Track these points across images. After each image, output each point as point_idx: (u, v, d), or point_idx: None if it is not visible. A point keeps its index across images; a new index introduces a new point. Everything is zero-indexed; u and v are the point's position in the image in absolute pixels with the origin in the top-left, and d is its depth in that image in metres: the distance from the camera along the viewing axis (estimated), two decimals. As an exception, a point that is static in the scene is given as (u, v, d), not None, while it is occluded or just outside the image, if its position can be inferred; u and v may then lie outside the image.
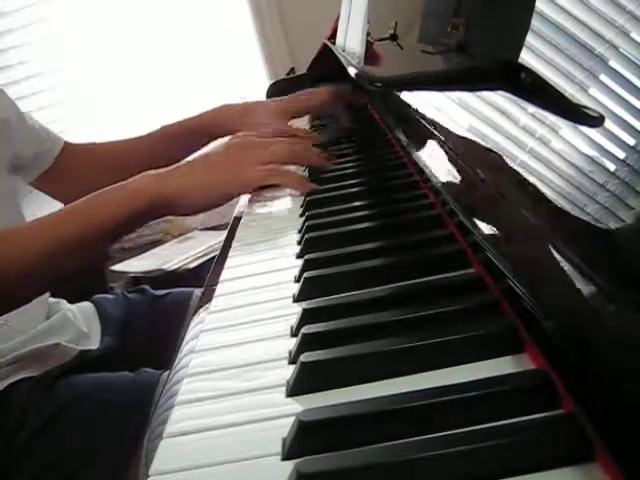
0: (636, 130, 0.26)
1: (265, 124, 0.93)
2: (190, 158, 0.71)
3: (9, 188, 0.87)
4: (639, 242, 0.24)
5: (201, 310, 0.48)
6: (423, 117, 0.54)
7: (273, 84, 1.51)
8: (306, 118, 1.32)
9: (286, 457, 0.29)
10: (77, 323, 0.88)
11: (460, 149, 0.44)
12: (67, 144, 1.00)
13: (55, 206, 1.01)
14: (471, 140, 0.44)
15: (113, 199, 0.64)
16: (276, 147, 0.71)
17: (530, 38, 0.35)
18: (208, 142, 1.00)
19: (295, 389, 0.34)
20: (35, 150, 0.94)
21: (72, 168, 0.98)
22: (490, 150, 0.40)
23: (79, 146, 1.02)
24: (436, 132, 0.51)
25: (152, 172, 0.67)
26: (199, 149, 1.00)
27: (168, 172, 0.67)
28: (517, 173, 0.34)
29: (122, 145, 1.02)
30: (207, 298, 0.50)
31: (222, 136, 0.98)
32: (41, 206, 1.02)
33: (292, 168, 0.77)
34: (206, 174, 0.67)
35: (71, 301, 0.94)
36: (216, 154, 0.70)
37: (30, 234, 0.62)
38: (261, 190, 0.79)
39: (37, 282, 0.63)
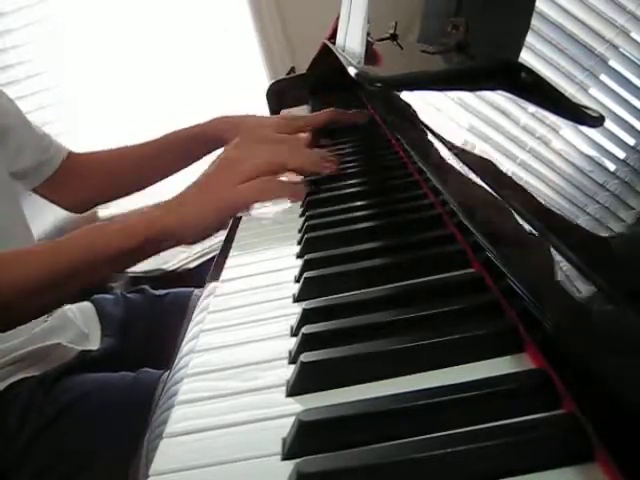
0: (636, 130, 0.26)
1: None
2: (186, 187, 0.69)
3: (10, 189, 0.87)
4: (639, 242, 0.24)
5: (200, 309, 0.48)
6: (423, 117, 0.54)
7: (273, 84, 1.51)
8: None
9: (286, 457, 0.29)
10: (77, 323, 0.88)
11: (460, 149, 0.44)
12: (70, 153, 1.00)
13: (55, 209, 1.02)
14: (471, 140, 0.44)
15: (114, 231, 0.63)
16: (257, 159, 0.68)
17: (530, 38, 0.35)
18: (207, 152, 1.00)
19: (295, 389, 0.34)
20: (38, 158, 0.95)
21: (74, 177, 0.99)
22: (490, 150, 0.40)
23: (82, 155, 1.02)
24: (436, 132, 0.50)
25: (151, 206, 0.66)
26: (198, 159, 1.01)
27: (166, 205, 0.66)
28: (517, 173, 0.34)
29: (123, 152, 1.02)
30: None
31: (220, 147, 0.96)
32: (41, 207, 1.02)
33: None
34: (198, 201, 0.66)
35: (71, 301, 0.94)
36: (203, 178, 0.68)
37: (31, 259, 0.62)
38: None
39: (34, 306, 0.63)
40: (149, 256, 0.66)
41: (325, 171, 0.73)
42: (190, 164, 1.02)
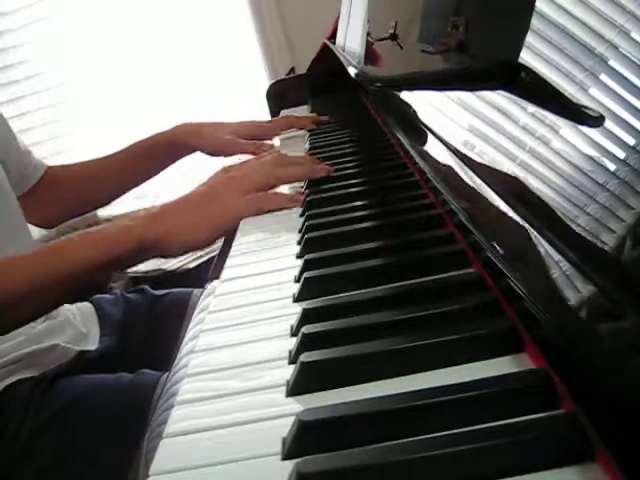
0: (636, 130, 0.26)
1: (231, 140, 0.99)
2: (177, 197, 0.70)
3: (8, 191, 0.87)
4: (639, 242, 0.24)
5: (200, 310, 0.48)
6: (423, 117, 0.54)
7: (273, 84, 1.51)
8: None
9: (286, 457, 0.29)
10: (76, 323, 0.88)
11: (460, 149, 0.44)
12: (48, 168, 1.01)
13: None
14: (471, 140, 0.44)
15: (102, 238, 0.63)
16: (256, 173, 0.70)
17: (530, 38, 0.35)
18: (173, 159, 1.04)
19: (295, 389, 0.34)
20: (19, 171, 0.94)
21: (50, 193, 0.99)
22: (490, 150, 0.40)
23: (58, 169, 1.03)
24: (436, 132, 0.50)
25: (141, 213, 0.67)
26: (166, 166, 1.04)
27: (156, 213, 0.66)
28: (517, 173, 0.34)
29: (94, 164, 1.03)
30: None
31: (185, 153, 1.03)
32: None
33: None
34: (192, 213, 0.66)
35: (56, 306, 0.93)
36: (200, 191, 0.69)
37: (16, 269, 0.62)
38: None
39: (20, 315, 0.63)
40: (141, 262, 0.66)
41: (321, 174, 0.74)
42: (159, 172, 1.05)
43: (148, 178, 1.05)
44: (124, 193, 1.05)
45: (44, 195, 0.98)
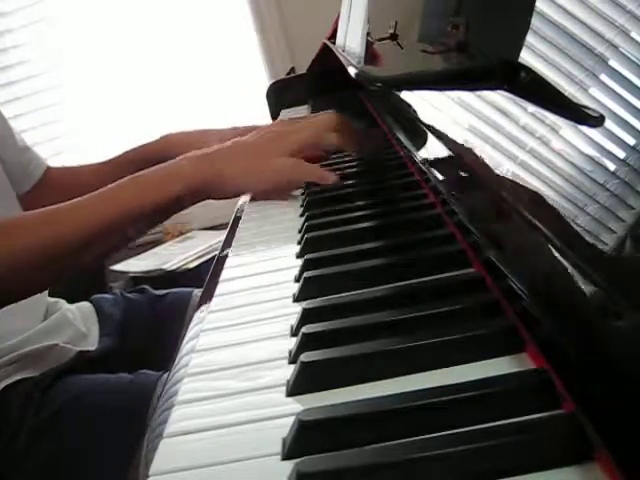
0: (636, 130, 0.26)
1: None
2: (231, 142, 0.70)
3: (8, 191, 0.87)
4: (639, 242, 0.24)
5: (200, 309, 0.48)
6: (423, 117, 0.54)
7: (273, 84, 1.51)
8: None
9: (286, 457, 0.29)
10: (76, 323, 0.88)
11: (460, 149, 0.44)
12: (48, 168, 1.01)
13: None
14: (471, 140, 0.44)
15: (150, 183, 0.64)
16: (300, 134, 0.70)
17: (530, 38, 0.35)
18: None
19: (295, 389, 0.34)
20: (20, 169, 0.94)
21: (50, 192, 0.99)
22: (490, 150, 0.40)
23: (61, 170, 1.03)
24: (436, 132, 0.50)
25: (191, 154, 0.67)
26: None
27: (207, 155, 0.67)
28: (517, 173, 0.34)
29: (99, 168, 1.03)
30: (207, 297, 0.50)
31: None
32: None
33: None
34: (243, 160, 0.67)
35: (70, 301, 0.94)
36: (253, 142, 0.70)
37: (64, 217, 0.63)
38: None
39: (77, 263, 0.64)
40: (193, 203, 0.67)
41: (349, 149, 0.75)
42: None
43: None
44: None
45: (46, 194, 0.97)
